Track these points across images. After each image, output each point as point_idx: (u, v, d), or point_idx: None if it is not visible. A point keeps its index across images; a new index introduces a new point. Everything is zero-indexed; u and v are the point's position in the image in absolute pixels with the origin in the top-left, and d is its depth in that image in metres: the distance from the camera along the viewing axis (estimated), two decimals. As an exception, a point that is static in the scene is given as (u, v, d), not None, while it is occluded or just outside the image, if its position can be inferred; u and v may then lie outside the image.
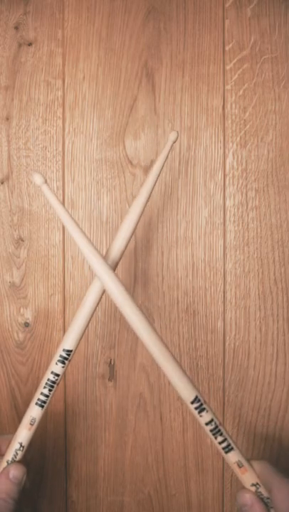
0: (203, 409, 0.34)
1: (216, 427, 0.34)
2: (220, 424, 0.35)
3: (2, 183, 0.47)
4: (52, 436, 0.47)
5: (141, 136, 0.46)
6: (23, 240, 0.47)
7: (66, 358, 0.35)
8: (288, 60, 0.45)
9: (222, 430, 0.35)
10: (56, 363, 0.35)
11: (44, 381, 0.35)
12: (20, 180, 0.47)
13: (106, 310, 0.46)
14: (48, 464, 0.47)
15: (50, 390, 0.35)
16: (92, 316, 0.36)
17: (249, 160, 0.45)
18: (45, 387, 0.35)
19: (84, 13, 0.46)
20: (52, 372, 0.35)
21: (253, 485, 0.34)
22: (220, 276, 0.45)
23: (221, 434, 0.34)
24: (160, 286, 0.46)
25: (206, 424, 0.34)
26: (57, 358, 0.35)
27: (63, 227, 0.46)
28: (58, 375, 0.35)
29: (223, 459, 0.45)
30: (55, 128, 0.47)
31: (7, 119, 0.47)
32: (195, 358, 0.46)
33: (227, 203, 0.46)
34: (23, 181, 0.47)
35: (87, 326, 0.36)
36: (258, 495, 0.34)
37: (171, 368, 0.34)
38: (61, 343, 0.36)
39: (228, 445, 0.35)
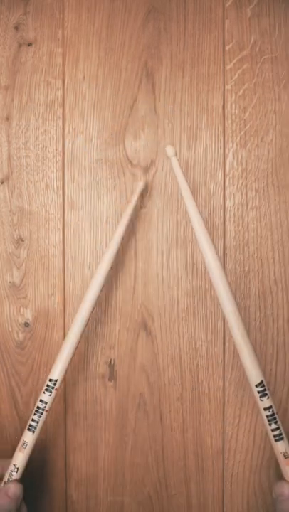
0: (266, 394, 0.37)
1: (273, 414, 0.37)
2: (276, 412, 0.37)
3: (2, 183, 0.47)
4: (52, 437, 0.47)
5: (141, 136, 0.46)
6: (23, 240, 0.47)
7: (53, 387, 0.39)
8: (288, 60, 0.45)
9: (277, 419, 0.37)
10: (44, 392, 0.39)
11: (34, 408, 0.40)
12: (20, 180, 0.47)
13: (106, 310, 0.46)
14: (48, 464, 0.47)
15: (39, 417, 0.39)
16: (76, 347, 0.40)
17: (249, 160, 0.45)
18: (35, 414, 0.39)
19: (84, 13, 0.46)
20: (41, 401, 0.39)
21: None
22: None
23: (276, 423, 0.37)
24: (160, 286, 0.46)
25: (265, 409, 0.37)
26: (44, 387, 0.39)
27: (63, 228, 0.46)
28: (46, 402, 0.39)
29: (223, 460, 0.45)
30: (55, 128, 0.47)
31: (7, 119, 0.47)
32: (195, 357, 0.46)
33: (227, 203, 0.46)
34: (23, 181, 0.47)
35: (73, 355, 0.40)
36: None
37: (246, 351, 0.37)
38: (49, 374, 0.40)
39: (280, 434, 0.37)
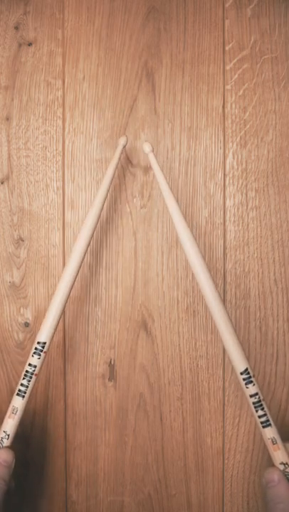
0: (251, 381, 0.37)
1: (259, 400, 0.37)
2: (263, 399, 0.37)
3: (2, 183, 0.47)
4: (52, 437, 0.47)
5: (141, 136, 0.46)
6: (23, 240, 0.47)
7: (41, 350, 0.38)
8: (288, 60, 0.45)
9: (264, 405, 0.37)
10: (32, 355, 0.38)
11: (23, 373, 0.38)
12: (20, 180, 0.47)
13: (106, 310, 0.46)
14: (48, 464, 0.47)
15: (28, 381, 0.38)
16: (63, 309, 0.39)
17: (249, 160, 0.45)
18: (24, 378, 0.38)
19: (84, 13, 0.46)
20: (29, 364, 0.38)
21: (281, 463, 0.37)
22: (220, 276, 0.45)
23: (262, 409, 0.37)
24: (160, 286, 0.46)
25: (251, 396, 0.37)
26: (32, 350, 0.38)
27: (63, 228, 0.46)
28: (34, 366, 0.38)
29: (223, 460, 0.45)
30: (55, 128, 0.47)
31: (7, 119, 0.47)
32: (195, 358, 0.46)
33: (227, 203, 0.46)
34: (23, 181, 0.47)
35: (60, 318, 0.39)
36: (285, 474, 0.36)
37: (230, 339, 0.38)
38: (36, 336, 0.39)
39: (267, 420, 0.37)
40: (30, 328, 0.47)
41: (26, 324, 0.47)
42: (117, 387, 0.46)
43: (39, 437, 0.46)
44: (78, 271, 0.39)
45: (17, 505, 0.46)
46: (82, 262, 0.39)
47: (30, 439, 0.46)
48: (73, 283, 0.39)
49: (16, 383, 0.47)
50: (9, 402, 0.47)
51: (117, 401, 0.46)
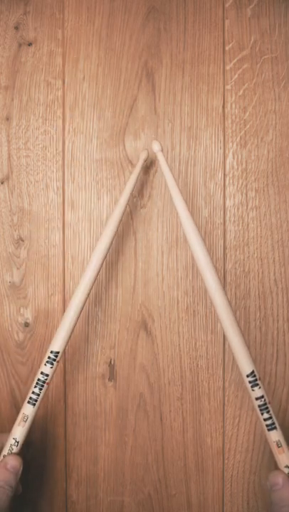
0: (257, 384, 0.37)
1: (265, 403, 0.37)
2: (269, 402, 0.37)
3: (2, 183, 0.47)
4: (52, 436, 0.47)
5: (141, 136, 0.46)
6: (23, 240, 0.47)
7: (54, 359, 0.38)
8: (288, 60, 0.45)
9: (269, 408, 0.37)
10: (45, 364, 0.38)
11: (35, 381, 0.39)
12: (20, 180, 0.47)
13: (106, 310, 0.46)
14: (48, 464, 0.47)
15: (40, 389, 0.38)
16: (77, 319, 0.39)
17: (249, 160, 0.45)
18: (35, 387, 0.38)
19: (84, 13, 0.46)
20: (42, 373, 0.38)
21: (286, 466, 0.36)
22: (220, 276, 0.45)
23: (268, 412, 0.37)
24: (160, 286, 0.46)
25: (257, 398, 0.37)
26: (45, 359, 0.38)
27: (63, 228, 0.46)
28: (47, 375, 0.38)
29: (223, 460, 0.45)
30: (55, 128, 0.47)
31: (7, 119, 0.47)
32: (195, 358, 0.46)
33: (227, 203, 0.46)
34: (23, 181, 0.47)
35: (74, 328, 0.39)
36: None
37: (237, 341, 0.37)
38: (49, 345, 0.38)
39: (272, 423, 0.37)
40: (30, 328, 0.47)
41: (26, 324, 0.47)
42: (117, 387, 0.46)
43: (39, 437, 0.46)
44: (95, 280, 0.39)
45: (17, 505, 0.46)
46: (99, 271, 0.39)
47: (30, 439, 0.46)
48: (89, 292, 0.39)
49: (16, 383, 0.47)
50: (9, 401, 0.47)
51: (117, 401, 0.46)
